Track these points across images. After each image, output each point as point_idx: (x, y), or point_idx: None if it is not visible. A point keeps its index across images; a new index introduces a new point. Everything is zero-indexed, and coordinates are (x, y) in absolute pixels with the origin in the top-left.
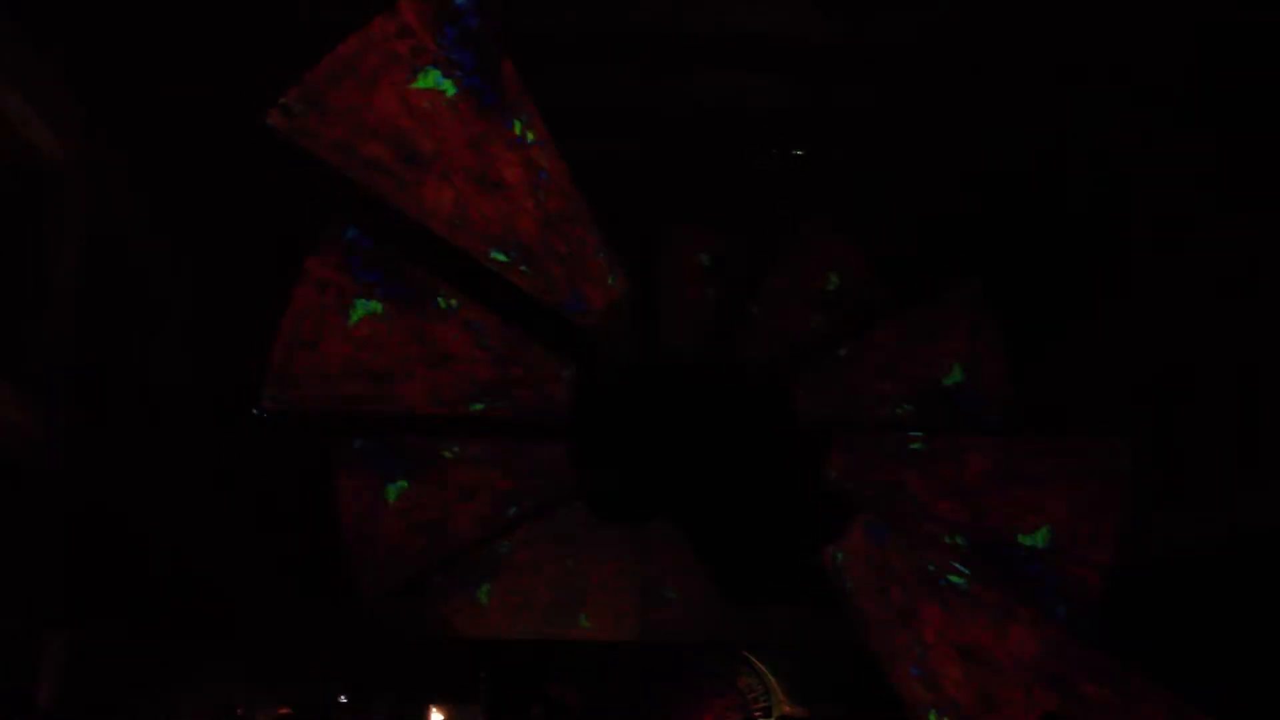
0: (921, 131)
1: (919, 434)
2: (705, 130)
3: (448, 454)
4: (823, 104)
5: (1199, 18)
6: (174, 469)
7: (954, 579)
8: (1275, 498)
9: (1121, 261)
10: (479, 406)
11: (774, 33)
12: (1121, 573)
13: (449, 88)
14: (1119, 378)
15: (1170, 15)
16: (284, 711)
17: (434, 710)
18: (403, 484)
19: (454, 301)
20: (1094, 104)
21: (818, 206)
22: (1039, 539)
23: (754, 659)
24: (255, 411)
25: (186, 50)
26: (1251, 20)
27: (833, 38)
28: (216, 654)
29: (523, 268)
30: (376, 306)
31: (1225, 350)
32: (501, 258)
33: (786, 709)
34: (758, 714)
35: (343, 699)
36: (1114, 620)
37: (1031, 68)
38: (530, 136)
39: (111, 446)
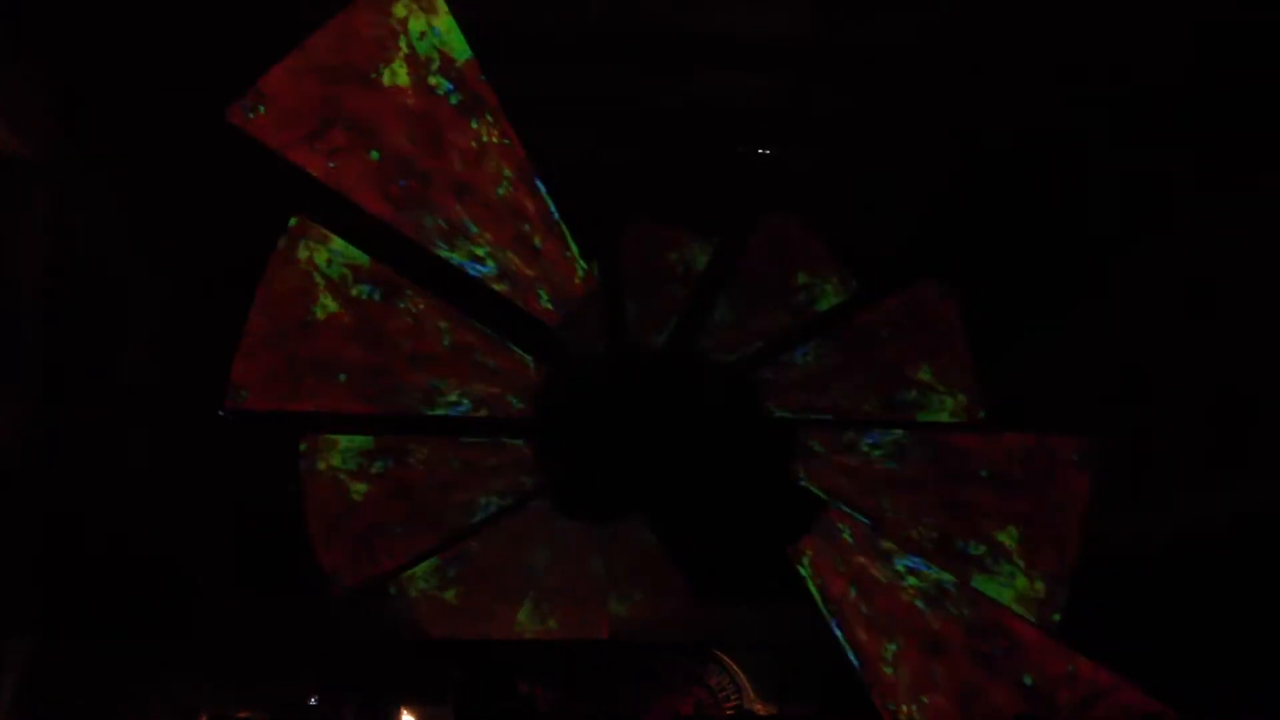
0: (917, 132)
1: (887, 431)
2: (698, 130)
3: (415, 453)
4: (819, 104)
5: (1198, 18)
6: (141, 470)
7: (923, 576)
8: (1238, 494)
9: (1103, 261)
10: (446, 405)
11: (772, 32)
12: (1086, 569)
13: (414, 85)
14: (1089, 376)
15: (1168, 15)
16: (243, 715)
17: (404, 711)
18: (370, 484)
19: (420, 301)
20: (1093, 104)
21: (804, 205)
22: (1008, 536)
23: (724, 657)
24: (221, 413)
25: (157, 49)
26: (1251, 20)
27: (831, 38)
28: (183, 656)
29: (490, 266)
30: (343, 306)
31: (1194, 350)
32: (468, 256)
33: (757, 707)
34: (728, 711)
35: (314, 701)
36: (1076, 616)
37: (1031, 67)
38: (495, 136)
39: (78, 447)
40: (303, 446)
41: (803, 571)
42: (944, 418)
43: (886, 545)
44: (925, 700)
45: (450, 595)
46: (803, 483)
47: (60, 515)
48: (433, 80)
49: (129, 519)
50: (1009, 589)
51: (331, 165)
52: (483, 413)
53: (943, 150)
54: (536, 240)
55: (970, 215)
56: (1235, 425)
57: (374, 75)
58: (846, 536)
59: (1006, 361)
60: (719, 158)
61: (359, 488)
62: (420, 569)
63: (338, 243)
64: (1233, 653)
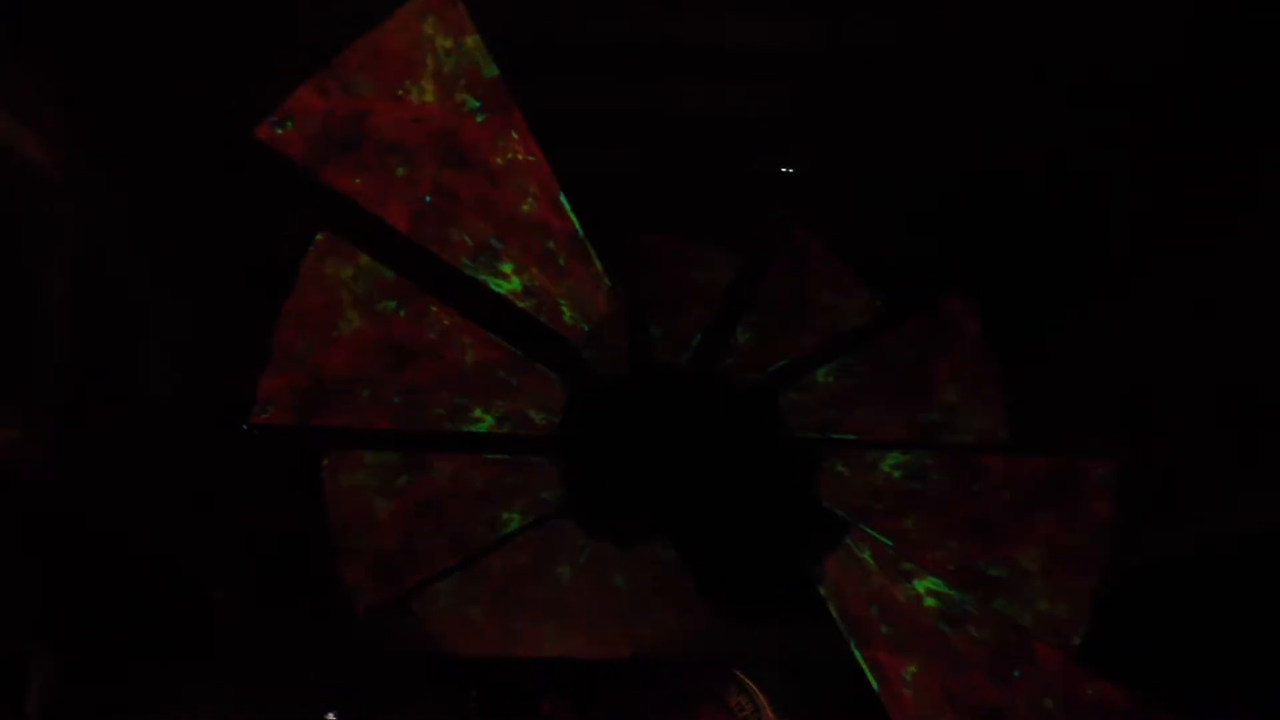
0: (912, 137)
1: (911, 452)
2: (697, 140)
3: (439, 470)
4: (816, 110)
5: (1191, 18)
6: (161, 485)
7: (944, 598)
8: (1242, 511)
9: (1102, 269)
10: (471, 422)
11: (764, 39)
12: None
13: (441, 102)
14: (1098, 390)
15: (1161, 16)
16: None
17: None
18: (393, 500)
19: (445, 319)
20: (1082, 106)
21: (811, 217)
22: (1030, 559)
23: (744, 676)
24: (245, 428)
25: (178, 67)
26: (1247, 21)
27: (832, 44)
28: (199, 675)
29: (515, 283)
30: (368, 322)
31: (1201, 365)
32: (493, 273)
33: None
34: None
35: (330, 717)
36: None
37: (1021, 70)
38: (521, 153)
39: (99, 462)
40: (325, 462)
41: (823, 592)
42: (968, 439)
43: (907, 566)
44: None
45: (474, 612)
46: (825, 504)
47: (80, 529)
48: (460, 97)
49: (148, 533)
50: (1030, 612)
51: (358, 181)
52: (507, 430)
53: (945, 158)
54: (562, 258)
55: (975, 224)
56: (1247, 436)
57: (401, 92)
58: (868, 557)
59: (1024, 375)
60: (725, 168)
61: (383, 504)
62: (444, 586)
63: (364, 258)
64: (1237, 663)
